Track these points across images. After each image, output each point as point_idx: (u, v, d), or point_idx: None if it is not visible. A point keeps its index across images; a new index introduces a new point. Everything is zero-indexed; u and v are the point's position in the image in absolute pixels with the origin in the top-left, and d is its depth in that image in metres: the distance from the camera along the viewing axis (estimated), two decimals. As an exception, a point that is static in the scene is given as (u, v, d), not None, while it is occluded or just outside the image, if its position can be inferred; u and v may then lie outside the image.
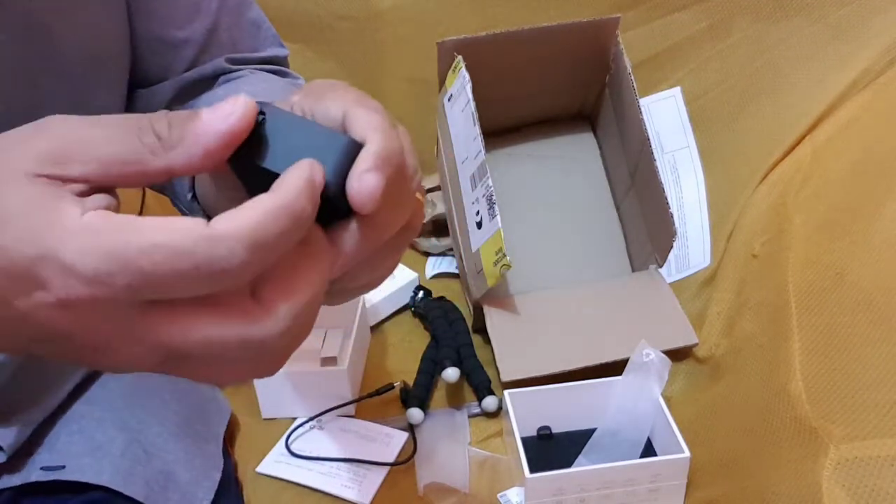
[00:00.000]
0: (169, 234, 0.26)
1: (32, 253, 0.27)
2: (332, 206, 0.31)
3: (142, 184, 0.30)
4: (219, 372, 0.30)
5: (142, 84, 0.62)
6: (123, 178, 0.29)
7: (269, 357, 0.30)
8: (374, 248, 0.33)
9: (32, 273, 0.27)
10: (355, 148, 0.31)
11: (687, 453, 0.63)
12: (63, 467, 0.57)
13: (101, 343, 0.28)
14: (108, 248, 0.26)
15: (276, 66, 0.68)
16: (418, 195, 0.35)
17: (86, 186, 0.28)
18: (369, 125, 0.32)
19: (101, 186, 0.29)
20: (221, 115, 0.29)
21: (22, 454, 0.58)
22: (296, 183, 0.28)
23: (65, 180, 0.28)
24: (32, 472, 0.57)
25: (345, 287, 0.35)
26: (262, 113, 0.31)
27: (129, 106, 0.62)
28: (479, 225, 0.79)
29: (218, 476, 0.65)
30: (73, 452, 0.59)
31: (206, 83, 0.63)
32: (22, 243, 0.27)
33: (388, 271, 0.37)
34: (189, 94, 0.63)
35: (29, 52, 0.51)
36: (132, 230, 0.26)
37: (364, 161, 0.30)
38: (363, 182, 0.30)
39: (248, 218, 0.27)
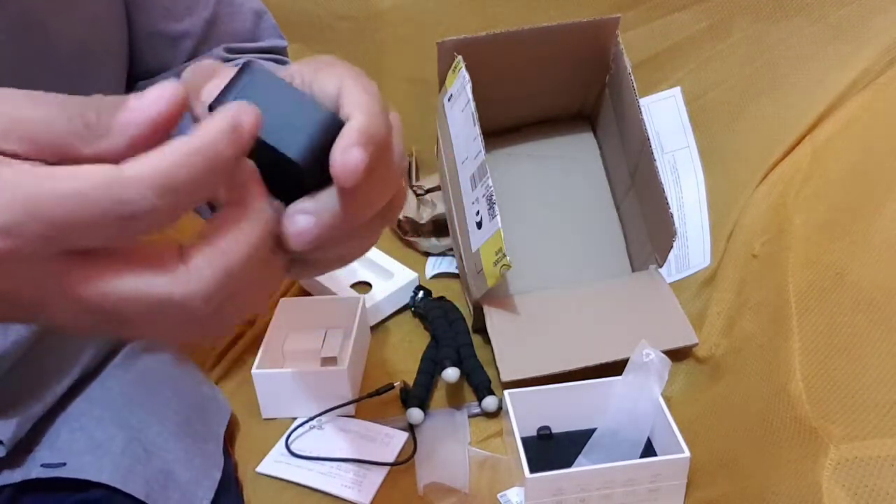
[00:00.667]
0: (78, 181, 0.26)
1: None
2: (304, 179, 0.31)
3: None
4: (153, 331, 0.30)
5: (142, 76, 0.62)
6: (59, 162, 0.28)
7: (199, 320, 0.29)
8: (352, 224, 0.33)
9: None
10: (336, 124, 0.31)
11: (687, 453, 0.63)
12: (63, 464, 0.57)
13: (36, 299, 0.28)
14: (16, 199, 0.26)
15: (276, 55, 0.68)
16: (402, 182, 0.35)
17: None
18: (358, 103, 0.32)
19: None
20: (147, 103, 0.28)
21: (22, 451, 0.58)
22: (217, 125, 0.28)
23: None
24: (33, 469, 0.57)
25: (315, 259, 0.35)
26: (242, 71, 0.31)
27: None
28: (479, 225, 0.79)
29: (218, 475, 0.65)
30: (73, 450, 0.59)
31: None
32: None
33: (361, 252, 0.37)
34: None
35: (27, 49, 0.51)
36: (43, 179, 0.26)
37: (349, 136, 0.31)
38: (347, 156, 0.30)
39: (159, 160, 0.27)
